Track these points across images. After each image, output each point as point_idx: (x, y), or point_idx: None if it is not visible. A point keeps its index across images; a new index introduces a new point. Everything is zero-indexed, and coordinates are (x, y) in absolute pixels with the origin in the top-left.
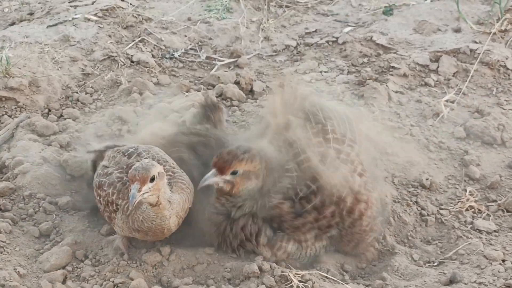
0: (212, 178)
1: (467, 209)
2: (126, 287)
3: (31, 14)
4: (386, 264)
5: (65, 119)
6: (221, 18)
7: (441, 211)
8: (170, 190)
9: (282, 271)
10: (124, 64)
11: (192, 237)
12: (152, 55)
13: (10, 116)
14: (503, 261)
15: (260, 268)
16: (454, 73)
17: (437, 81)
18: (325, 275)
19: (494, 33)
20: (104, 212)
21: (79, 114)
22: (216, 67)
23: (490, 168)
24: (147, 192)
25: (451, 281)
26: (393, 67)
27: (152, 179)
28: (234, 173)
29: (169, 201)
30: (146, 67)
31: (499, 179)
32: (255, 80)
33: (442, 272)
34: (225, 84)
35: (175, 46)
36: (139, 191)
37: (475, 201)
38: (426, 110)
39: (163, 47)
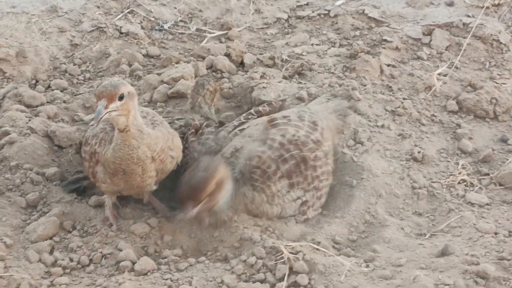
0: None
1: (459, 182)
2: (114, 257)
3: None
4: (377, 236)
5: (52, 90)
6: None
7: (433, 184)
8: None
9: (273, 243)
10: (113, 36)
11: None
12: (142, 26)
13: None
14: (495, 233)
15: (250, 239)
16: (447, 47)
17: (429, 54)
18: (316, 247)
19: (487, 7)
20: (89, 169)
21: (67, 85)
22: (206, 39)
23: (482, 141)
24: (115, 110)
25: (443, 253)
26: (385, 40)
27: (121, 97)
28: None
29: (138, 129)
30: (135, 39)
31: (491, 152)
32: (245, 53)
33: (433, 244)
34: (215, 56)
35: (165, 18)
36: (106, 107)
37: (467, 175)
38: (418, 83)
39: (153, 19)
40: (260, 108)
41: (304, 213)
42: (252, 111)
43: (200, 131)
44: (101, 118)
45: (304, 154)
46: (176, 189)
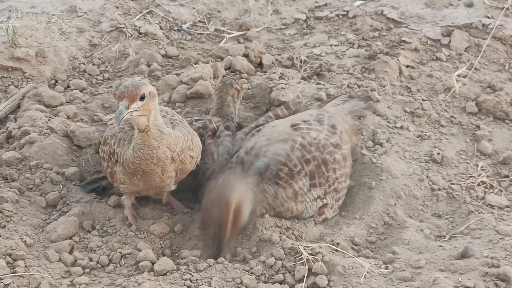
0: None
1: (478, 184)
2: (134, 257)
3: None
4: (396, 238)
5: (72, 90)
6: None
7: (452, 186)
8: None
9: (292, 244)
10: (132, 36)
11: None
12: (160, 27)
13: (16, 87)
14: None
15: (269, 240)
16: (466, 48)
17: (448, 55)
18: (335, 248)
19: (507, 8)
20: (107, 169)
21: (86, 85)
22: (225, 39)
23: (502, 143)
24: (136, 110)
25: (463, 255)
26: (404, 41)
27: (142, 98)
28: None
29: (159, 129)
30: (154, 39)
31: (511, 154)
32: (264, 53)
33: (453, 246)
34: (233, 57)
35: (183, 18)
36: (127, 108)
37: (487, 176)
38: (437, 84)
39: (171, 19)
40: (279, 111)
41: (322, 213)
42: (270, 114)
43: (217, 133)
44: (123, 118)
45: (325, 156)
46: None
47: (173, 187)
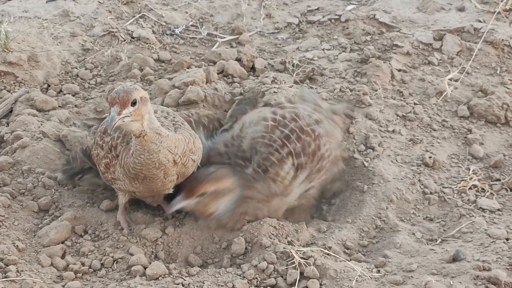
0: None
1: (470, 188)
2: (126, 262)
3: None
4: (388, 241)
5: (64, 94)
6: None
7: (444, 190)
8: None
9: (284, 248)
10: (124, 40)
11: None
12: (153, 31)
13: (8, 91)
14: (507, 239)
15: (261, 244)
16: (458, 52)
17: (440, 59)
18: (327, 252)
19: (499, 12)
20: (103, 159)
21: (78, 90)
22: (217, 44)
23: (493, 147)
24: (128, 116)
25: (454, 259)
26: (396, 45)
27: (134, 103)
28: None
29: (156, 132)
30: (147, 43)
31: (502, 158)
32: (256, 57)
33: (445, 250)
34: (226, 61)
35: (176, 23)
36: (119, 114)
37: (479, 180)
38: (429, 88)
39: (164, 23)
40: None
41: (306, 196)
42: None
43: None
44: (115, 124)
45: (301, 123)
46: None
47: (171, 190)
